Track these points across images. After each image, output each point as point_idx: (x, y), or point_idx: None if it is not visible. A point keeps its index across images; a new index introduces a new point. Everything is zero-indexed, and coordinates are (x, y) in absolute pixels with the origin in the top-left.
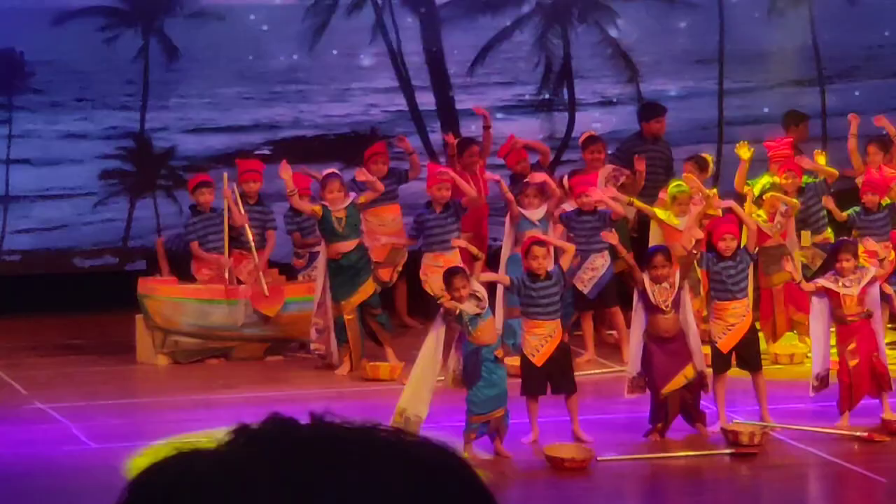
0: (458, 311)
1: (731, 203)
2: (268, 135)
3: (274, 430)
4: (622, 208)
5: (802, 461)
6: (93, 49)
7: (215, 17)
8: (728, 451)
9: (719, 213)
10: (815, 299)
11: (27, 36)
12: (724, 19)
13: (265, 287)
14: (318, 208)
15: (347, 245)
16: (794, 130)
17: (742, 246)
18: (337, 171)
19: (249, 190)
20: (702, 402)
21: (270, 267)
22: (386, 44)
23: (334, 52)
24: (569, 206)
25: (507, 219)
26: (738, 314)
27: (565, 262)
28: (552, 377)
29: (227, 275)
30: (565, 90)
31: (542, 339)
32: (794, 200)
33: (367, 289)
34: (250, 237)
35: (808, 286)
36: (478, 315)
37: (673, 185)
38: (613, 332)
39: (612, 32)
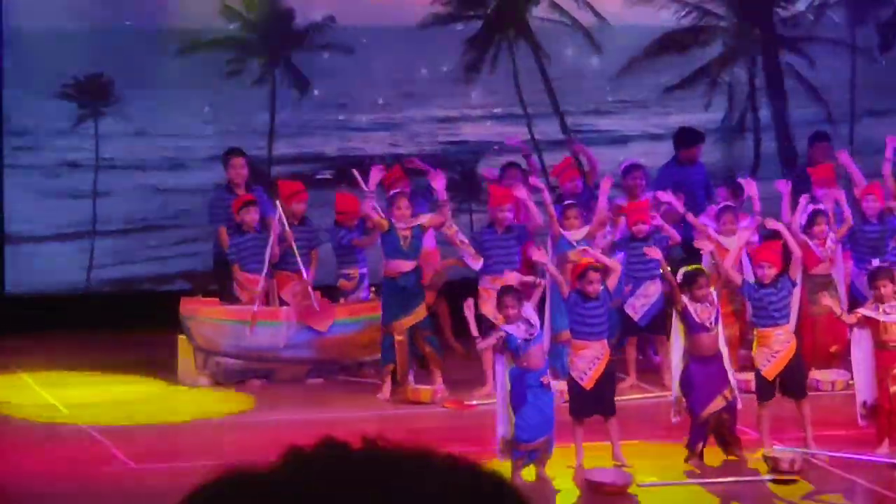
0: (503, 338)
1: (781, 226)
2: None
3: (327, 454)
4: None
5: (843, 489)
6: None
7: (343, 50)
8: (768, 478)
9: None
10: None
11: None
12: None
13: (315, 302)
14: (384, 222)
15: (408, 265)
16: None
17: (785, 272)
18: (405, 190)
19: (297, 211)
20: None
21: (314, 289)
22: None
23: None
24: (608, 233)
25: (549, 240)
26: (781, 340)
27: (612, 282)
28: (599, 400)
29: (266, 294)
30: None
31: (589, 361)
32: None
33: (421, 312)
34: (297, 255)
35: (850, 318)
36: (528, 340)
37: None
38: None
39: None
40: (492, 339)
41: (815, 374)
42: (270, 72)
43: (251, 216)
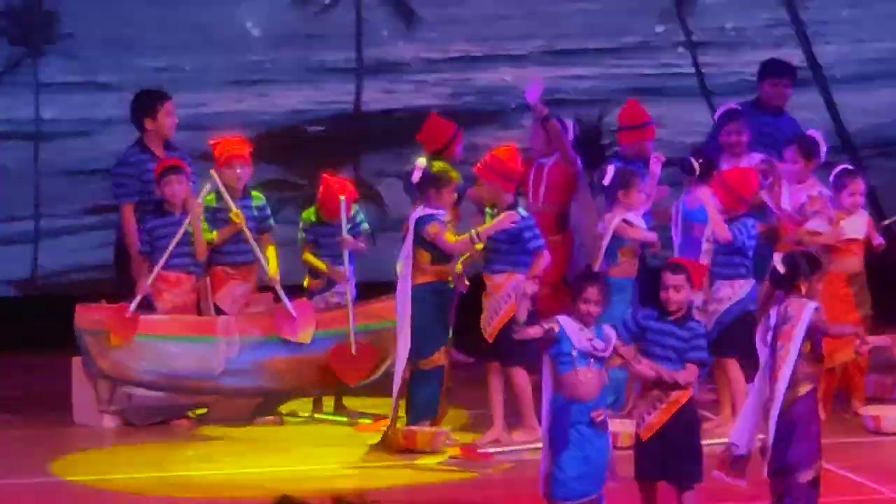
0: (555, 331)
1: None
2: None
3: None
4: None
5: None
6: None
7: None
8: None
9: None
10: None
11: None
12: None
13: (290, 307)
14: None
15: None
16: None
17: None
18: None
19: (234, 178)
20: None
21: (262, 291)
22: None
23: None
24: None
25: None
26: None
27: None
28: (666, 458)
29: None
30: None
31: (650, 401)
32: None
33: None
34: (251, 240)
35: None
36: (586, 357)
37: None
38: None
39: None
40: (537, 330)
41: None
42: None
43: (173, 189)
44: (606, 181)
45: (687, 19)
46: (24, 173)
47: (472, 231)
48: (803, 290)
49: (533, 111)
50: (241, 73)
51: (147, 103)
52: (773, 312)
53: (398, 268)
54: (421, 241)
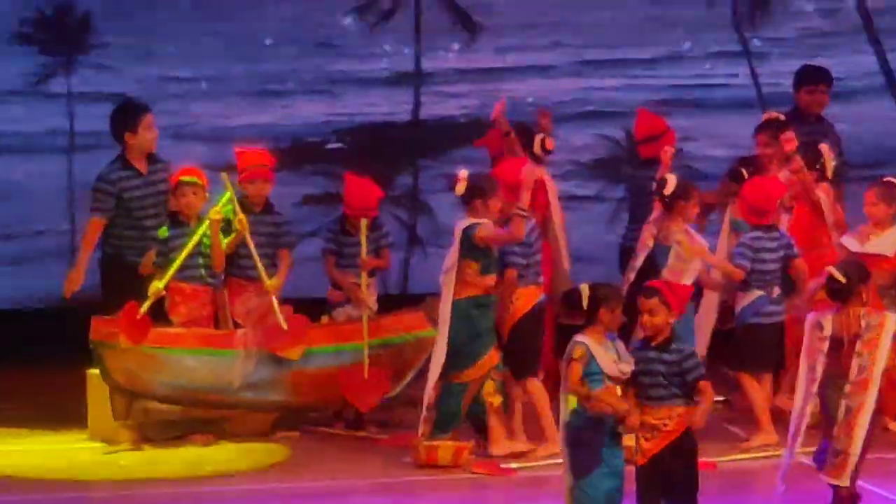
0: (585, 356)
1: None
2: None
3: None
4: None
5: None
6: None
7: None
8: None
9: None
10: None
11: None
12: None
13: (282, 319)
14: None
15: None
16: None
17: None
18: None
19: (255, 193)
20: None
21: (284, 302)
22: None
23: None
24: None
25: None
26: None
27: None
28: (664, 485)
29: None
30: None
31: (647, 427)
32: None
33: None
34: (252, 249)
35: None
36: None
37: None
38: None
39: None
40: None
41: None
42: None
43: (188, 200)
44: (668, 191)
45: (744, 29)
46: (58, 186)
47: (516, 209)
48: (864, 297)
49: (494, 124)
50: (279, 82)
51: (126, 117)
52: (823, 321)
53: (442, 279)
54: (469, 252)
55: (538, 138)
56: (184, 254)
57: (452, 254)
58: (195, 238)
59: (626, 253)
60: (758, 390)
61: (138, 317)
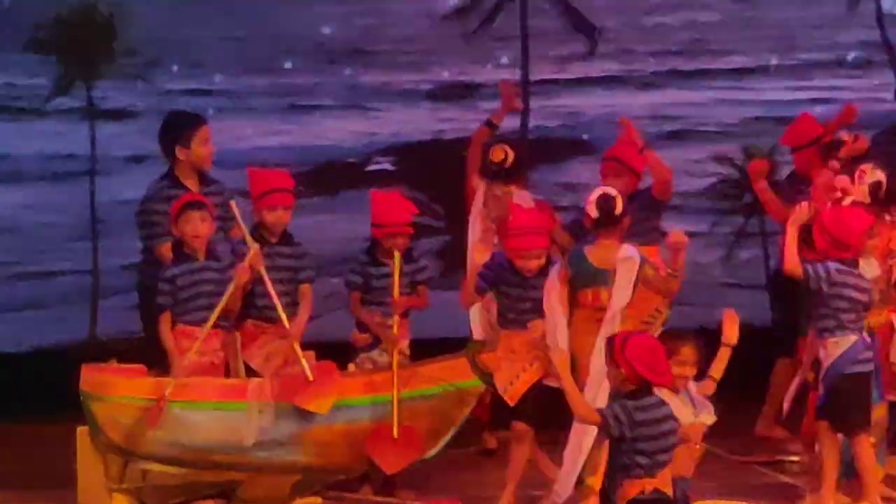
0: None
1: None
2: None
3: None
4: None
5: None
6: None
7: None
8: None
9: None
10: None
11: None
12: None
13: (308, 368)
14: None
15: None
16: None
17: None
18: None
19: (275, 221)
20: None
21: (305, 347)
22: None
23: None
24: None
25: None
26: None
27: None
28: None
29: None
30: None
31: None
32: None
33: None
34: (271, 290)
35: None
36: None
37: None
38: None
39: None
40: None
41: None
42: None
43: (194, 228)
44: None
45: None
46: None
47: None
48: None
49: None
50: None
51: (178, 128)
52: None
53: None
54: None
55: None
56: (217, 311)
57: (625, 287)
58: (224, 299)
59: None
60: (838, 451)
61: (159, 400)
